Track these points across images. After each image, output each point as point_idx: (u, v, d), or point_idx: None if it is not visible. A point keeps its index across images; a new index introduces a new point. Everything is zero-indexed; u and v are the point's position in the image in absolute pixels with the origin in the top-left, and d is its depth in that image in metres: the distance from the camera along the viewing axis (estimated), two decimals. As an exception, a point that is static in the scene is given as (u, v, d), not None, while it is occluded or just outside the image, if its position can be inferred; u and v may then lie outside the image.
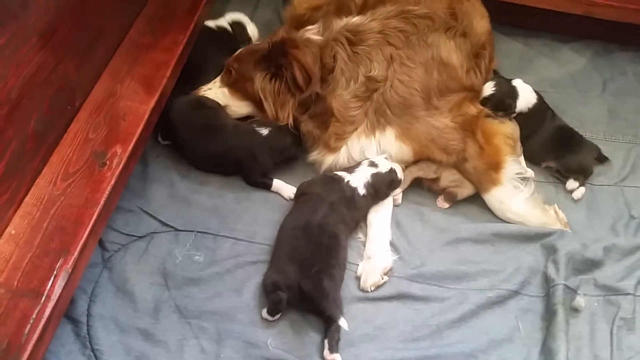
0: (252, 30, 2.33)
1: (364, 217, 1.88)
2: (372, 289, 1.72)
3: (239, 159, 1.94)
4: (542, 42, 2.60)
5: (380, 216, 1.88)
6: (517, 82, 2.11)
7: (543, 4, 2.44)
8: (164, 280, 1.70)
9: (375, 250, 1.79)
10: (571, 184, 2.03)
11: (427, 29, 1.98)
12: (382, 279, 1.73)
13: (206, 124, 1.95)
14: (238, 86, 2.02)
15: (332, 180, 1.86)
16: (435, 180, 1.96)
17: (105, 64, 1.87)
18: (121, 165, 1.63)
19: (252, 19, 2.40)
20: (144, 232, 1.81)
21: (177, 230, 1.82)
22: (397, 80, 1.90)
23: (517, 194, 1.91)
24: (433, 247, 1.85)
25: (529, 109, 2.07)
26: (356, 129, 1.92)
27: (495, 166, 1.90)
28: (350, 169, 1.89)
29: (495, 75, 2.21)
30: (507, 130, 1.98)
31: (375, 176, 1.85)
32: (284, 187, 1.95)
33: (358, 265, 1.78)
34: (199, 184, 1.96)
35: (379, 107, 1.90)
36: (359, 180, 1.84)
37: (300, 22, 2.36)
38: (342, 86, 1.91)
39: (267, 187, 1.95)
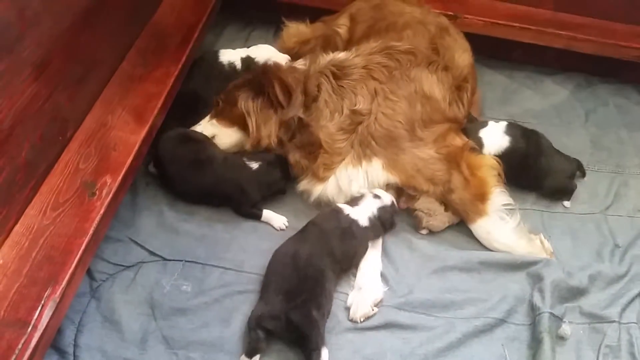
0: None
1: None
2: (362, 320, 1.72)
3: (227, 192, 1.95)
4: (525, 75, 2.66)
5: (371, 247, 1.89)
6: (484, 132, 2.10)
7: (525, 38, 2.51)
8: (151, 311, 1.69)
9: (366, 281, 1.79)
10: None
11: (409, 64, 2.04)
12: (373, 310, 1.73)
13: (193, 158, 1.95)
14: (225, 114, 2.07)
15: (333, 211, 1.87)
16: (413, 197, 1.98)
17: (97, 95, 1.90)
18: (110, 195, 1.65)
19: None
20: (132, 262, 1.81)
21: (165, 259, 1.82)
22: (381, 113, 1.94)
23: (504, 224, 1.93)
24: (420, 275, 1.85)
25: (502, 152, 2.07)
26: (343, 159, 1.95)
27: (481, 197, 1.92)
28: (353, 202, 1.89)
29: (469, 119, 2.19)
30: (492, 162, 2.00)
31: (382, 209, 1.87)
32: (275, 217, 1.96)
33: (348, 295, 1.78)
34: (187, 213, 1.97)
35: (364, 139, 1.94)
36: (362, 213, 1.84)
37: (290, 55, 2.42)
38: (326, 117, 1.96)
39: (257, 217, 1.96)
